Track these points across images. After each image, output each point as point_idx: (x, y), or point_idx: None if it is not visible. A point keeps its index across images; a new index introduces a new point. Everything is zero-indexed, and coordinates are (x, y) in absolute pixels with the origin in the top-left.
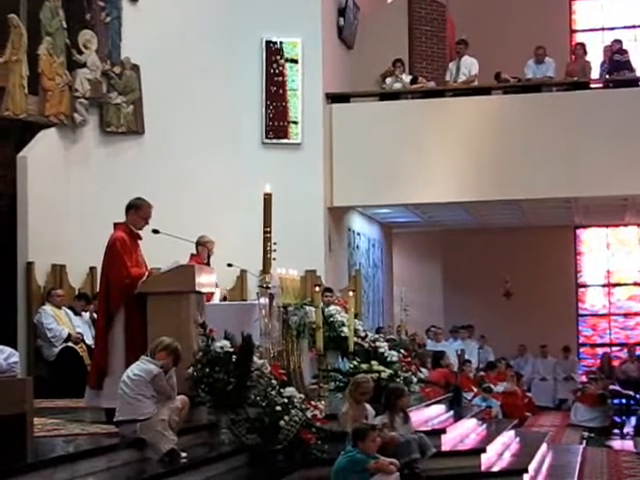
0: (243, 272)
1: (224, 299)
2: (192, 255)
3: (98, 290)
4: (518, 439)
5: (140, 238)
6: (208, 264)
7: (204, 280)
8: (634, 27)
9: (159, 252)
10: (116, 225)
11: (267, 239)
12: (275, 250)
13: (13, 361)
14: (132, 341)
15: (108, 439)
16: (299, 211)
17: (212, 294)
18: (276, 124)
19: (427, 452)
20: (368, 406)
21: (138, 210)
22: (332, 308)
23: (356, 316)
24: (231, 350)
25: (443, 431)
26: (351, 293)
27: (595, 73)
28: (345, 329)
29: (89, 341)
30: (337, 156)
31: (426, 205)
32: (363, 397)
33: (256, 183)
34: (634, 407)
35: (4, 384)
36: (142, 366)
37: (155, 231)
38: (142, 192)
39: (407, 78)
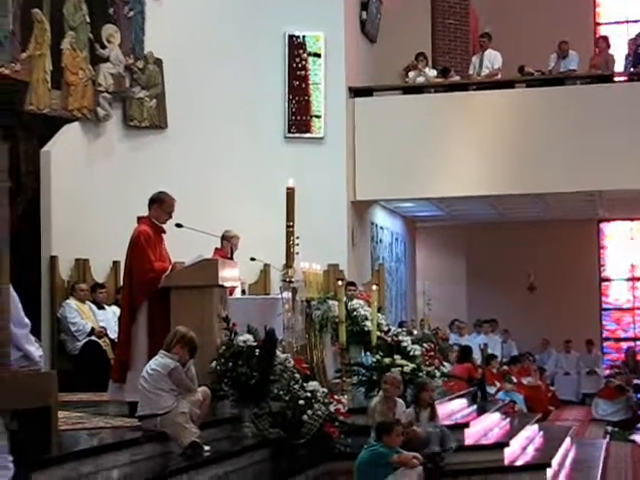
0: (266, 266)
1: (242, 292)
2: (216, 249)
3: (122, 284)
4: (541, 433)
5: (164, 232)
6: (231, 258)
7: (227, 274)
8: None
9: (184, 246)
10: (140, 219)
11: (290, 233)
12: (298, 244)
13: (39, 354)
14: (155, 335)
15: (131, 433)
16: (322, 205)
17: (234, 288)
18: (299, 118)
19: (447, 446)
20: (400, 400)
21: (161, 204)
22: (355, 302)
23: (379, 310)
24: (254, 344)
25: (466, 425)
26: (374, 287)
27: (619, 66)
28: (368, 323)
29: (112, 335)
30: (360, 150)
31: (449, 199)
32: (394, 392)
33: (279, 177)
34: None
35: (29, 377)
36: (159, 360)
37: (178, 225)
38: (165, 186)
39: (430, 72)
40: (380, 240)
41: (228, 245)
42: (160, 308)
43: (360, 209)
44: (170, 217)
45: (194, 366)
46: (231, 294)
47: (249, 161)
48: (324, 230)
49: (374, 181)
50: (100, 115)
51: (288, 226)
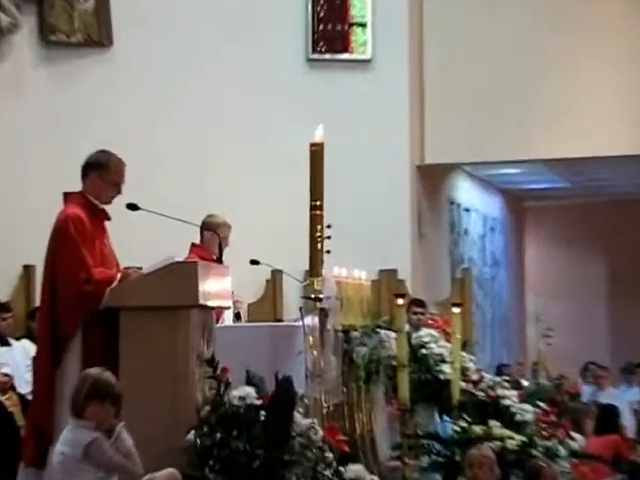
0: (277, 274)
1: (237, 317)
2: (193, 246)
3: (39, 304)
4: None
5: (107, 218)
6: (220, 260)
7: (213, 286)
8: None
9: (145, 244)
10: (67, 197)
11: (316, 219)
12: (329, 237)
13: None
14: None
15: None
16: (369, 173)
17: (224, 310)
18: (330, 28)
19: None
20: None
21: (103, 171)
22: (424, 333)
23: (464, 346)
24: (258, 403)
25: None
26: (456, 309)
27: None
28: (446, 368)
29: (24, 388)
30: (431, 81)
31: (579, 161)
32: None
33: (297, 128)
34: None
35: None
36: (67, 436)
37: (132, 206)
38: (110, 143)
39: None
40: (465, 230)
41: (213, 239)
42: (101, 342)
43: (431, 179)
44: (118, 193)
45: (127, 431)
46: (219, 320)
47: (248, 100)
48: (372, 214)
49: (454, 133)
50: (1, 24)
51: (313, 207)
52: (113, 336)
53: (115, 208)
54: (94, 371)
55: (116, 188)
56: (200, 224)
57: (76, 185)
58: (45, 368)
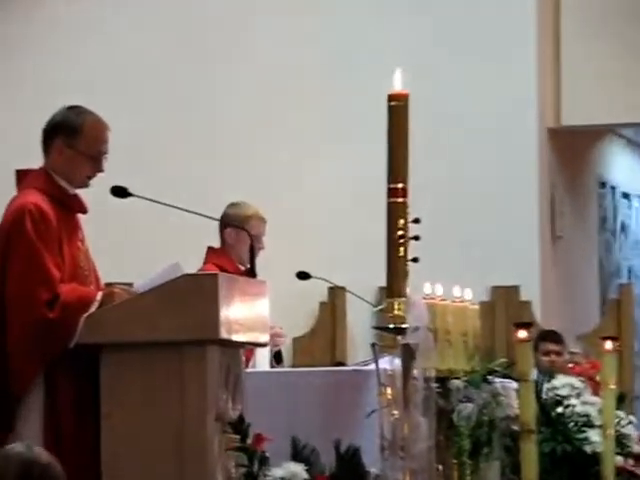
0: (337, 293)
1: (276, 358)
2: (211, 252)
3: None
4: None
5: (83, 211)
6: (251, 273)
7: (241, 312)
8: None
9: (145, 250)
10: (22, 176)
11: (397, 210)
12: (417, 238)
13: None
14: (63, 461)
15: None
16: (476, 140)
17: (257, 348)
18: None
19: None
20: None
21: (74, 137)
22: (561, 383)
23: (620, 401)
24: None
25: None
26: (608, 344)
27: None
28: (594, 435)
29: None
30: (571, 8)
31: None
32: None
33: (370, 69)
34: None
35: None
36: None
37: (119, 192)
38: (79, 95)
39: None
40: (622, 227)
41: (240, 240)
42: (72, 397)
43: (571, 150)
44: (97, 171)
45: None
46: (249, 362)
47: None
48: (481, 204)
49: (604, 82)
50: None
51: (392, 193)
52: (91, 389)
53: (94, 195)
54: (17, 449)
55: (94, 163)
56: (221, 216)
57: (32, 159)
58: None
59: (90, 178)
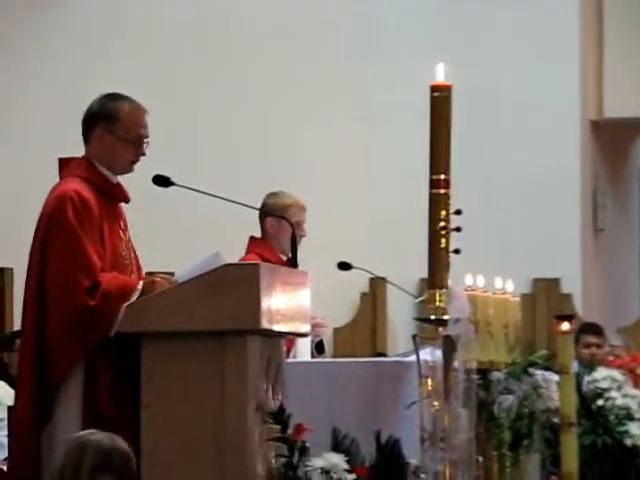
0: (378, 284)
1: (317, 348)
2: (252, 241)
3: (21, 327)
4: None
5: (126, 199)
6: (293, 263)
7: (283, 302)
8: None
9: (187, 241)
10: (64, 164)
11: (439, 201)
12: (459, 230)
13: None
14: None
15: None
16: (518, 132)
17: (299, 338)
18: None
19: None
20: None
21: (112, 123)
22: (602, 375)
23: None
24: (350, 478)
25: None
26: None
27: None
28: (635, 428)
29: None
30: (614, 4)
31: None
32: None
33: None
34: None
35: None
36: None
37: (162, 181)
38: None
39: None
40: None
41: (281, 229)
42: (112, 386)
43: (614, 142)
44: (139, 155)
45: None
46: (291, 352)
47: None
48: (523, 196)
49: None
50: None
51: (435, 184)
52: (130, 376)
53: (135, 185)
54: (96, 436)
55: (134, 148)
56: (260, 206)
57: (74, 148)
58: (28, 425)
59: (134, 163)
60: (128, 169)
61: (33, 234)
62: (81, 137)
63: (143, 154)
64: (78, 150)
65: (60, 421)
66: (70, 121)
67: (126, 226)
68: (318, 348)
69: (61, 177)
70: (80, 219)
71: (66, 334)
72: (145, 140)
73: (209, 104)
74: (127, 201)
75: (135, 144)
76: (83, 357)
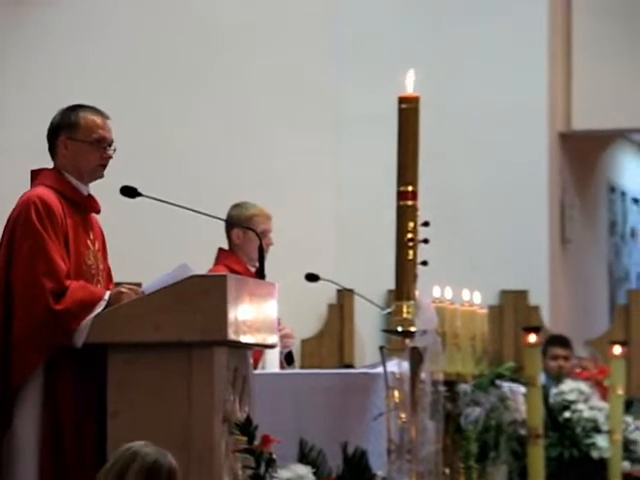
0: (345, 296)
1: (287, 359)
2: (221, 253)
3: None
4: None
5: (95, 210)
6: (260, 274)
7: (250, 314)
8: None
9: (152, 252)
10: (36, 175)
11: (407, 212)
12: (427, 241)
13: None
14: (64, 458)
15: None
16: (486, 143)
17: (266, 349)
18: None
19: None
20: None
21: (72, 130)
22: (569, 387)
23: (628, 407)
24: None
25: None
26: (616, 349)
27: None
28: (601, 440)
29: None
30: (581, 13)
31: None
32: None
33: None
34: None
35: None
36: None
37: (129, 192)
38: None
39: None
40: (632, 232)
41: (247, 240)
42: (74, 396)
43: (581, 154)
44: (105, 157)
45: None
46: (258, 364)
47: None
48: (491, 207)
49: (615, 86)
50: None
51: (402, 196)
52: (95, 387)
53: (102, 195)
54: (139, 447)
55: (98, 150)
56: (226, 217)
57: (39, 159)
58: None
59: (102, 167)
60: (97, 174)
61: None
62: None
63: (110, 157)
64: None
65: (19, 429)
66: (40, 133)
67: (97, 237)
68: (287, 359)
69: (33, 184)
70: (43, 223)
71: (28, 335)
72: (109, 142)
73: (178, 115)
74: (97, 212)
75: (99, 146)
76: (42, 360)
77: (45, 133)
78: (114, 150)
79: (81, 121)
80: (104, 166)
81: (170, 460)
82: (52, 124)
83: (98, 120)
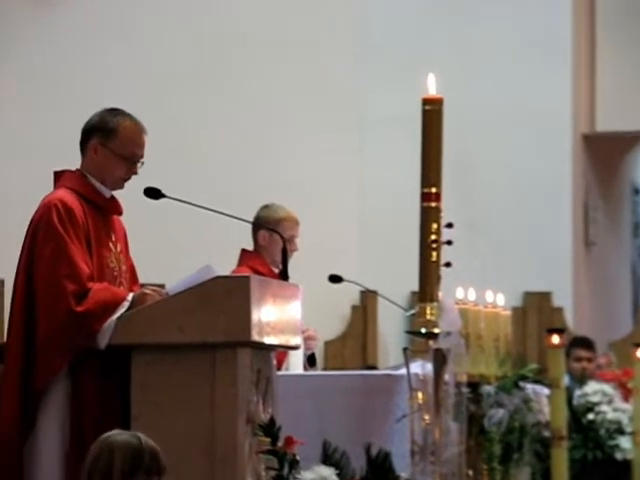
0: (369, 297)
1: (309, 361)
2: (245, 254)
3: (6, 339)
4: None
5: (117, 212)
6: (284, 275)
7: (274, 315)
8: None
9: (178, 253)
10: (58, 176)
11: (430, 214)
12: (450, 243)
13: None
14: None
15: None
16: (510, 146)
17: (290, 351)
18: None
19: None
20: None
21: (108, 137)
22: (592, 389)
23: None
24: None
25: None
26: None
27: None
28: (624, 442)
29: None
30: (606, 18)
31: None
32: None
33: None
34: None
35: None
36: None
37: (153, 193)
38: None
39: None
40: None
41: (273, 242)
42: (99, 398)
43: (606, 156)
44: (131, 173)
45: None
46: (282, 365)
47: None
48: (514, 210)
49: (638, 89)
50: None
51: (426, 197)
52: (118, 389)
53: (126, 197)
54: (122, 437)
55: (127, 165)
56: (253, 219)
57: (65, 160)
58: (10, 437)
59: (125, 180)
60: (118, 185)
61: (23, 243)
62: (78, 149)
63: (135, 173)
64: (74, 160)
65: (42, 433)
66: (64, 133)
67: (119, 239)
68: (310, 361)
69: (56, 185)
70: (65, 226)
71: (51, 338)
72: (140, 160)
73: (201, 115)
74: (120, 213)
75: (128, 161)
76: (65, 362)
77: (66, 134)
78: (142, 164)
79: (119, 130)
80: (127, 180)
81: (148, 441)
82: (89, 123)
83: (137, 135)
